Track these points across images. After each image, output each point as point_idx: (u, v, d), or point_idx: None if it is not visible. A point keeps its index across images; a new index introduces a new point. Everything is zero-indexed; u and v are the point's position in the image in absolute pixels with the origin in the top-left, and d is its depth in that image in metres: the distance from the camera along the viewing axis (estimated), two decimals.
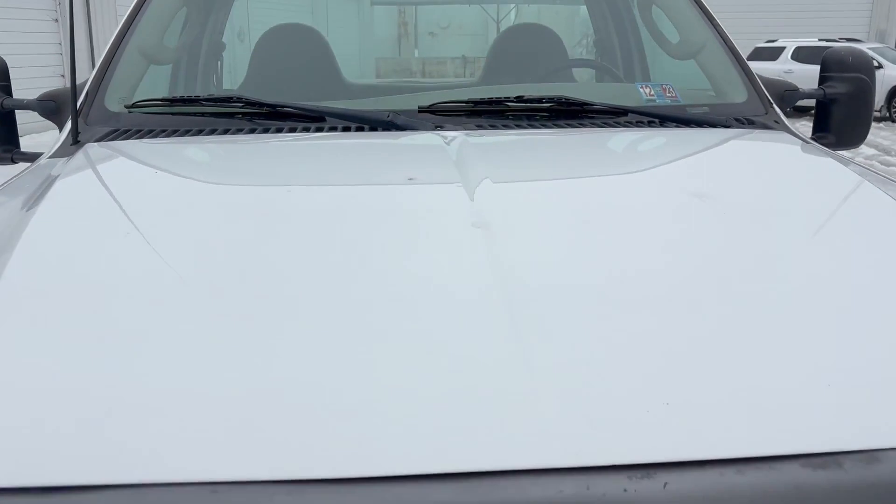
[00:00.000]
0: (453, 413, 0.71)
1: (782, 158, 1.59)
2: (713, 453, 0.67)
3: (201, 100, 1.81)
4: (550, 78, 2.33)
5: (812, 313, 0.89)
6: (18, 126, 1.91)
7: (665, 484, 0.65)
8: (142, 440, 0.68)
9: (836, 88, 1.88)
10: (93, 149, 1.54)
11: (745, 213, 1.18)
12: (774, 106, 1.86)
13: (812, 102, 1.96)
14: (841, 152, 1.74)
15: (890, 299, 0.93)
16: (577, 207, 1.20)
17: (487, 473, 0.65)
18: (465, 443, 0.68)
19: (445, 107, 1.69)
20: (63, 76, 12.73)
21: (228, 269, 0.97)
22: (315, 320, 0.84)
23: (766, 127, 1.75)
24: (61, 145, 1.62)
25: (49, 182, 1.33)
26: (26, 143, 1.93)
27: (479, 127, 1.61)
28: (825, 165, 1.49)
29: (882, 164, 9.51)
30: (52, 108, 1.83)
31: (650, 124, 1.68)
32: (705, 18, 2.08)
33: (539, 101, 1.69)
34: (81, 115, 1.70)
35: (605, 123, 1.67)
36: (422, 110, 1.67)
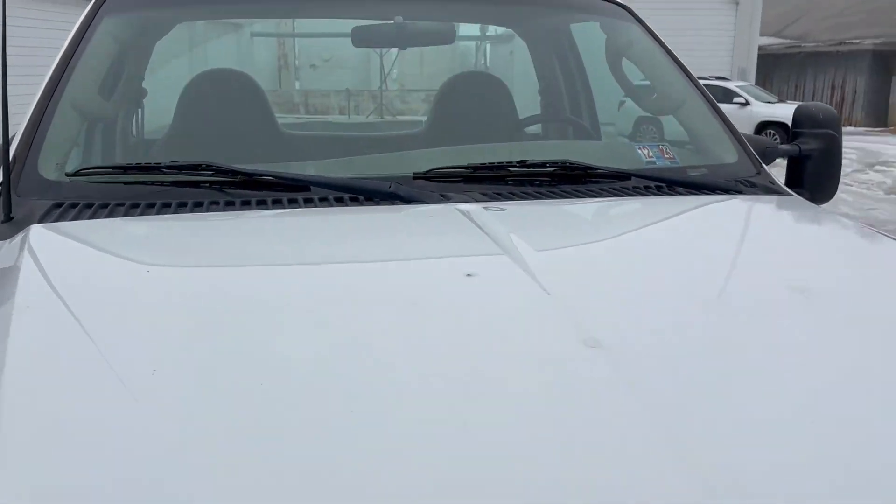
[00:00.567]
0: None
1: (826, 234, 1.58)
2: None
3: (162, 167, 1.51)
4: (507, 133, 2.28)
5: None
6: None
7: None
8: None
9: (810, 145, 1.89)
10: (38, 233, 1.28)
11: (826, 300, 1.17)
12: (764, 166, 1.85)
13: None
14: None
15: None
16: (654, 280, 1.19)
17: None
18: None
19: (443, 173, 1.57)
20: None
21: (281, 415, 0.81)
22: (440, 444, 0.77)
23: (772, 191, 1.74)
24: None
25: None
26: None
27: (485, 195, 1.51)
28: (873, 241, 1.52)
29: None
30: None
31: (658, 188, 1.63)
32: (681, 71, 2.05)
33: (542, 165, 1.62)
34: (3, 184, 1.44)
35: (612, 189, 1.61)
36: (417, 177, 1.55)
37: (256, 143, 2.02)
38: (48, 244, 1.26)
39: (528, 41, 2.89)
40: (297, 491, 0.69)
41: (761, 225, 1.62)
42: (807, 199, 1.84)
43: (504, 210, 1.43)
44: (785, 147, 1.92)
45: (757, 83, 20.07)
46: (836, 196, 1.99)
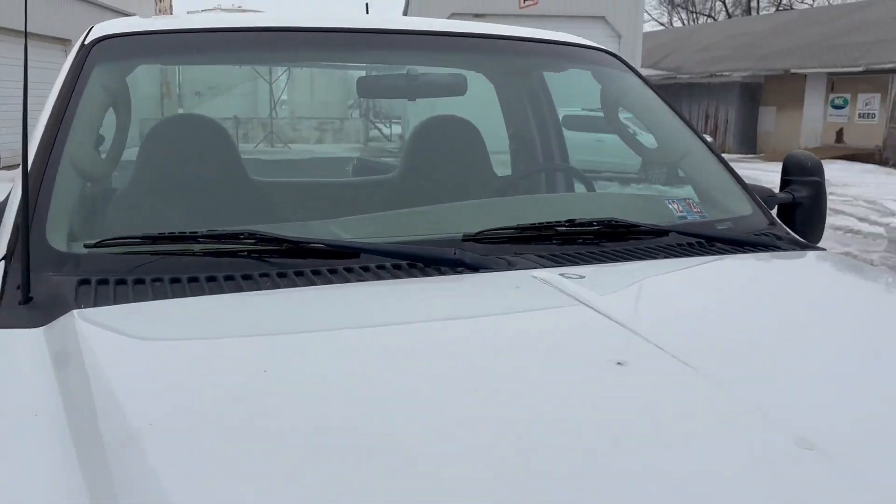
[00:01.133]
0: None
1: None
2: None
3: (199, 237, 1.37)
4: (482, 180, 2.23)
5: None
6: None
7: None
8: None
9: (801, 192, 1.94)
10: (86, 321, 1.13)
11: None
12: (776, 218, 1.86)
13: None
14: None
15: None
16: (808, 354, 1.15)
17: None
18: None
19: (494, 235, 1.51)
20: None
21: None
22: None
23: (803, 245, 1.76)
24: None
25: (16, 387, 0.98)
26: None
27: (541, 257, 1.47)
28: None
29: None
30: None
31: (699, 244, 1.63)
32: (681, 121, 2.03)
33: (590, 224, 1.59)
34: (16, 258, 1.28)
35: (660, 247, 1.60)
36: (467, 238, 1.48)
37: (226, 194, 1.90)
38: (105, 336, 1.14)
39: (497, 86, 2.82)
40: None
41: (843, 284, 1.64)
42: None
43: (584, 277, 1.37)
44: (781, 195, 1.96)
45: None
46: None
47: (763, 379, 1.04)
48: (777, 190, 2.01)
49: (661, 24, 48.53)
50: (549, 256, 1.47)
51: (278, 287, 1.27)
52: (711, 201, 1.90)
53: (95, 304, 1.19)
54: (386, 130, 18.87)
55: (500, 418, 0.91)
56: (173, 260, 1.33)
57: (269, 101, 16.41)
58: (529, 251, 1.48)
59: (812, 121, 23.44)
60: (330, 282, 1.30)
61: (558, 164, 2.72)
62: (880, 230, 9.84)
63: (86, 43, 1.73)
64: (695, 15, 49.50)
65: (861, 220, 10.65)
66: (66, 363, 1.04)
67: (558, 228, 1.57)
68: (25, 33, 1.36)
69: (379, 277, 1.33)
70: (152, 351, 1.13)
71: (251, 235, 1.36)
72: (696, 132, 2.04)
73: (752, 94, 25.20)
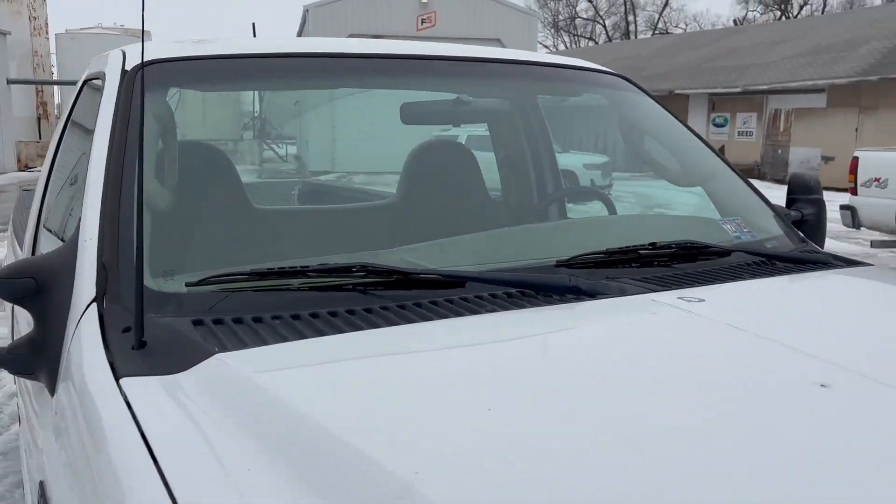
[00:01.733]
0: None
1: None
2: None
3: (309, 271, 1.34)
4: (478, 204, 2.28)
5: None
6: None
7: None
8: None
9: (807, 209, 2.03)
10: (227, 366, 1.08)
11: None
12: (803, 235, 1.94)
13: None
14: None
15: None
16: None
17: None
18: None
19: (584, 260, 1.53)
20: None
21: None
22: None
23: (848, 261, 1.79)
24: (97, 361, 1.14)
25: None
26: None
27: (637, 280, 1.48)
28: None
29: None
30: (25, 290, 1.30)
31: (763, 263, 1.68)
32: (699, 142, 2.10)
33: (668, 246, 1.63)
34: (108, 297, 1.24)
35: (732, 266, 1.65)
36: (559, 264, 1.50)
37: (231, 222, 1.90)
38: (275, 379, 1.09)
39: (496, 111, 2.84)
40: None
41: None
42: None
43: (704, 301, 1.38)
44: (792, 213, 2.05)
45: None
46: None
47: None
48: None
49: (546, 48, 50.16)
50: (643, 280, 1.49)
51: (399, 322, 1.24)
52: (748, 223, 1.94)
53: (228, 347, 1.13)
54: (281, 151, 18.55)
55: (739, 452, 0.89)
56: (274, 295, 1.30)
57: None
58: (620, 275, 1.50)
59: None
60: (457, 312, 1.29)
61: (582, 187, 2.83)
62: None
63: (126, 69, 1.68)
64: (577, 38, 51.45)
65: None
66: (247, 410, 0.99)
67: (641, 252, 1.59)
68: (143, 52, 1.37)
69: (494, 306, 1.33)
70: (335, 392, 1.07)
71: (363, 268, 1.35)
72: (716, 152, 2.11)
73: None
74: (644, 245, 1.61)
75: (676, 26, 51.35)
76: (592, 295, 1.38)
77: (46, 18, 30.19)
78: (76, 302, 1.30)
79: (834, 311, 1.51)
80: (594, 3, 51.89)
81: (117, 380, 1.08)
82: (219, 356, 1.11)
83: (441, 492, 0.80)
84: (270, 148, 17.79)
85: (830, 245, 2.79)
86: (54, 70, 29.46)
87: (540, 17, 40.21)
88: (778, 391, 1.06)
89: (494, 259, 1.56)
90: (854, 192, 8.67)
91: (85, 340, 1.22)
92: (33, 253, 2.17)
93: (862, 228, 8.81)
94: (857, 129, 19.90)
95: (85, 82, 2.18)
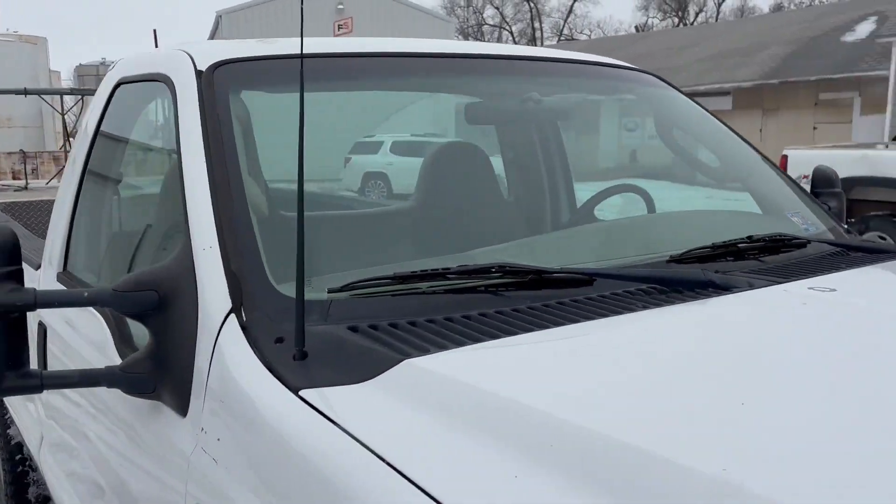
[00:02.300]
0: None
1: None
2: None
3: (449, 273, 1.32)
4: (495, 205, 2.29)
5: None
6: None
7: None
8: None
9: (830, 202, 2.08)
10: (419, 372, 1.04)
11: None
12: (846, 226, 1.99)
13: None
14: None
15: None
16: None
17: None
18: None
19: (694, 255, 1.55)
20: None
21: None
22: None
23: None
24: (260, 376, 1.09)
25: None
26: None
27: (749, 272, 1.49)
28: None
29: None
30: (148, 304, 1.25)
31: (842, 254, 1.71)
32: (737, 138, 2.10)
33: (762, 239, 1.66)
34: (251, 309, 1.20)
35: (814, 256, 1.67)
36: (672, 259, 1.53)
37: (336, 226, 1.97)
38: (478, 383, 1.03)
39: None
40: None
41: None
42: None
43: (836, 290, 1.41)
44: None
45: None
46: None
47: None
48: None
49: None
50: (752, 272, 1.50)
51: (563, 322, 1.22)
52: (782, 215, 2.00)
53: (410, 353, 1.09)
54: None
55: None
56: (409, 299, 1.28)
57: (64, 133, 15.04)
58: (726, 269, 1.50)
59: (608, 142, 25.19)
60: (614, 310, 1.28)
61: (629, 185, 2.73)
62: None
63: (200, 69, 1.60)
64: None
65: None
66: (476, 413, 0.96)
67: (740, 245, 1.61)
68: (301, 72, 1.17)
69: (637, 302, 1.32)
70: (571, 393, 1.02)
71: (501, 268, 1.34)
72: (754, 148, 2.13)
73: None
74: (742, 238, 1.63)
75: (581, 32, 52.70)
76: (727, 289, 1.38)
77: None
78: (207, 314, 1.23)
79: None
80: (500, 10, 52.73)
81: (295, 393, 1.03)
82: (409, 362, 1.06)
83: (767, 487, 0.78)
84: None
85: None
86: None
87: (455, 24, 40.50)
88: None
89: (606, 256, 1.59)
90: None
91: (233, 355, 1.15)
92: (65, 266, 2.05)
93: None
94: (760, 130, 20.82)
95: (117, 85, 2.02)
